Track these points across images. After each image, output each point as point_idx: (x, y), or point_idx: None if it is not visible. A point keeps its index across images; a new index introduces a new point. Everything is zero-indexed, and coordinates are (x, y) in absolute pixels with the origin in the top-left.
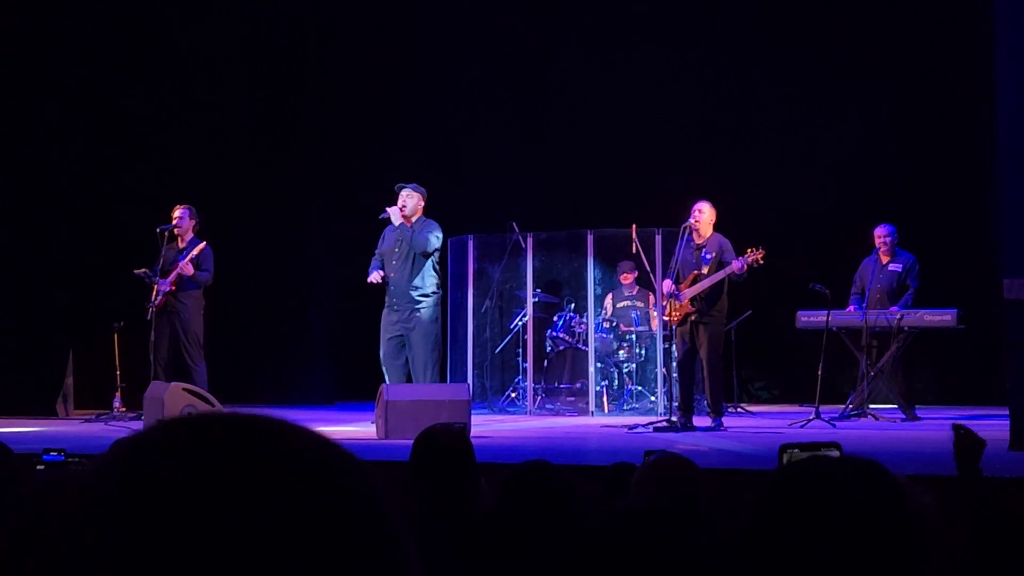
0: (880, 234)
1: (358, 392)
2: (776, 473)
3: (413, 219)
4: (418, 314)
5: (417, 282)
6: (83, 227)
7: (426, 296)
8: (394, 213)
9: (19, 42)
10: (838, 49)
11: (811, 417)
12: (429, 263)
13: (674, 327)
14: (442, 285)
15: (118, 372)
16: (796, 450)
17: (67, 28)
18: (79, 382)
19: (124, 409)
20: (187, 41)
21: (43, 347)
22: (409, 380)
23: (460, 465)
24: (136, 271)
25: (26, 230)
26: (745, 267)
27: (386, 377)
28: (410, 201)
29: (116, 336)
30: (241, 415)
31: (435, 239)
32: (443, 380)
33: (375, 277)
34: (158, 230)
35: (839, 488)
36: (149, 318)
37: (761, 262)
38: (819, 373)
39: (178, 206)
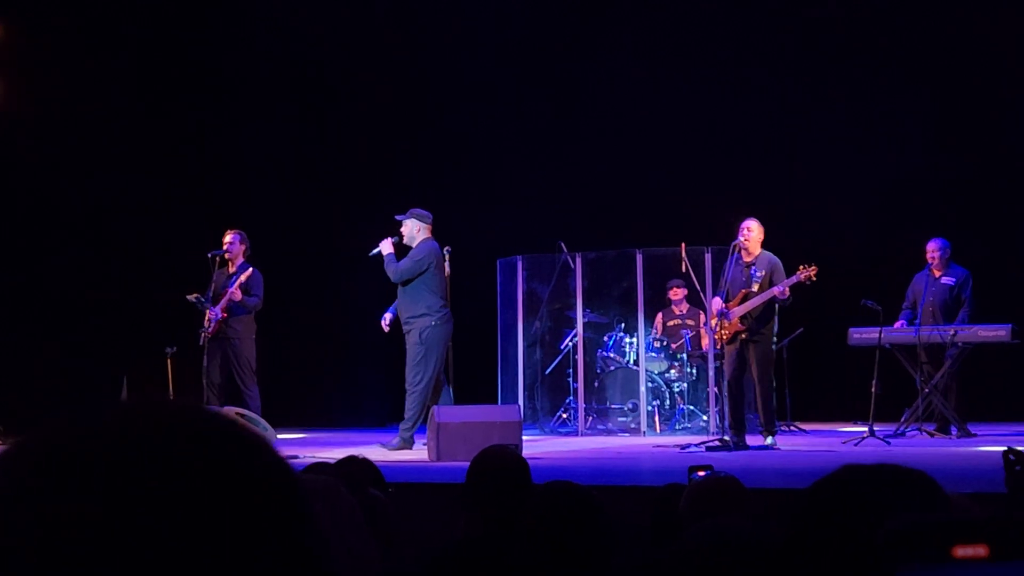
0: (932, 248)
1: None
2: (816, 483)
3: (415, 245)
4: (408, 336)
5: (408, 304)
6: (135, 253)
7: (416, 318)
8: (384, 244)
9: (66, 71)
10: (886, 62)
11: (865, 435)
12: (420, 285)
13: (724, 345)
14: (447, 306)
15: (172, 397)
16: None
17: (115, 58)
18: None
19: None
20: (237, 68)
21: (97, 373)
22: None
23: (517, 487)
24: (188, 297)
25: (79, 257)
26: (788, 291)
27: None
28: (405, 230)
29: (169, 362)
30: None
31: (405, 263)
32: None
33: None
34: (209, 255)
35: (878, 496)
36: (202, 343)
37: (814, 279)
38: (872, 390)
39: (229, 231)
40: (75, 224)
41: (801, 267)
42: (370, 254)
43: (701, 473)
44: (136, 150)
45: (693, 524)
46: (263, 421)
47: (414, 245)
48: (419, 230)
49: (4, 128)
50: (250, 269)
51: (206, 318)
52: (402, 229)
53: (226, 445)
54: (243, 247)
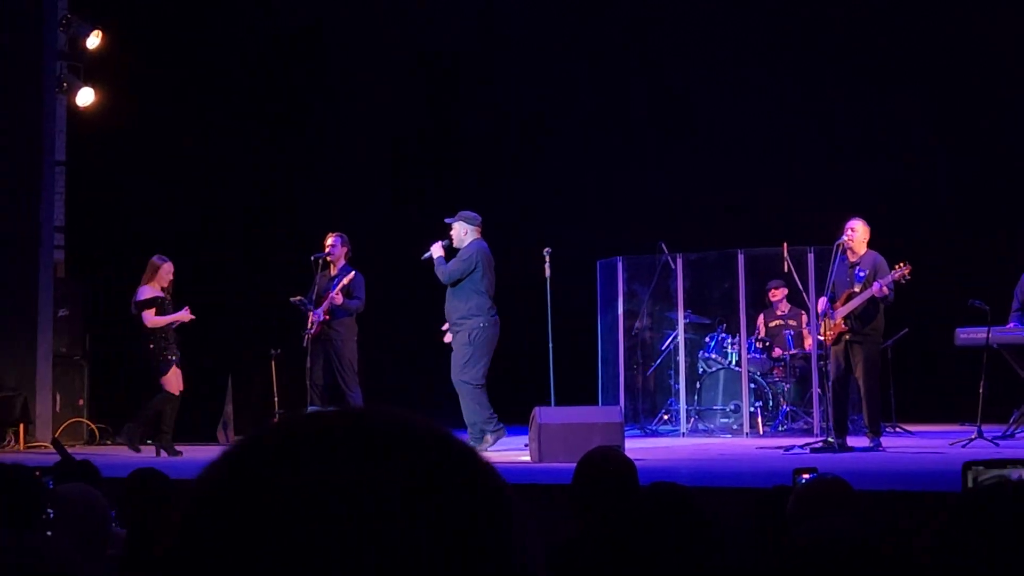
0: None
1: (510, 416)
2: (962, 497)
3: (462, 247)
4: (457, 336)
5: (457, 305)
6: (240, 257)
7: (465, 319)
8: (435, 248)
9: (185, 95)
10: (987, 55)
11: (973, 436)
12: (468, 285)
13: (829, 346)
14: (495, 308)
15: (276, 398)
16: (981, 467)
17: (228, 78)
18: (238, 408)
19: None
20: (339, 81)
21: (204, 375)
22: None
23: (624, 488)
24: (292, 299)
25: (187, 262)
26: (885, 289)
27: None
28: (454, 232)
29: (273, 363)
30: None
31: (453, 264)
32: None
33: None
34: (312, 258)
35: None
36: (305, 345)
37: (908, 277)
38: (980, 391)
39: (330, 234)
40: (182, 230)
41: (897, 265)
42: (422, 258)
43: (806, 476)
44: (243, 157)
45: (801, 525)
46: None
47: (463, 247)
48: (467, 232)
49: (105, 133)
50: (352, 272)
51: (309, 320)
52: (451, 232)
53: (458, 457)
54: (345, 249)
